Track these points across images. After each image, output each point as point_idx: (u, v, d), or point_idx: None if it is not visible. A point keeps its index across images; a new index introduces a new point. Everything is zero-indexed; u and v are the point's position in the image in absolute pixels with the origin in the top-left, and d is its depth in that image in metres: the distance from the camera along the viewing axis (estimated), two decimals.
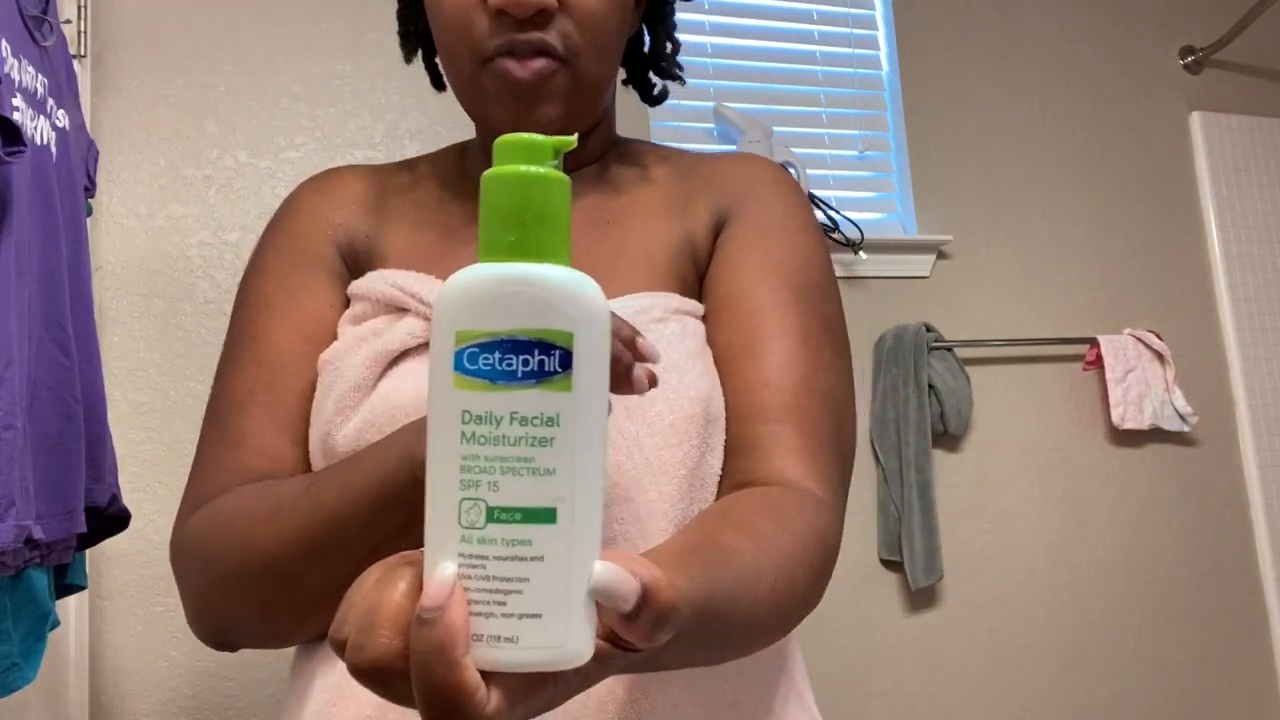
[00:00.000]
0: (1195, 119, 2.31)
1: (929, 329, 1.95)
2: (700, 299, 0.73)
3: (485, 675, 0.33)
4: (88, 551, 1.26)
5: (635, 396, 0.57)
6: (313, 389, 0.69)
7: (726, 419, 0.67)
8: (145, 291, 1.56)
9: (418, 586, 0.34)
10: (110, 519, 1.20)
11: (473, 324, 0.34)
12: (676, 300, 0.70)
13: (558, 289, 0.34)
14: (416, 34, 0.81)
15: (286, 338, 0.70)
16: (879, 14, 2.15)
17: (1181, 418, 2.08)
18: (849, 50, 2.11)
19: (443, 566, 0.33)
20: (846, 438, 0.69)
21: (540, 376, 0.33)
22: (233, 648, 0.68)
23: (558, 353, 0.34)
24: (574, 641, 0.33)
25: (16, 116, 1.00)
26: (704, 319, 0.72)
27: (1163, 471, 2.13)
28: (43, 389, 1.06)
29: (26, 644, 1.05)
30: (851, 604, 1.86)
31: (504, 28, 0.67)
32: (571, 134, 0.74)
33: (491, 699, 0.32)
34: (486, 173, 0.36)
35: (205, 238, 1.60)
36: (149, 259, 1.57)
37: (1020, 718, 1.93)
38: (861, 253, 1.92)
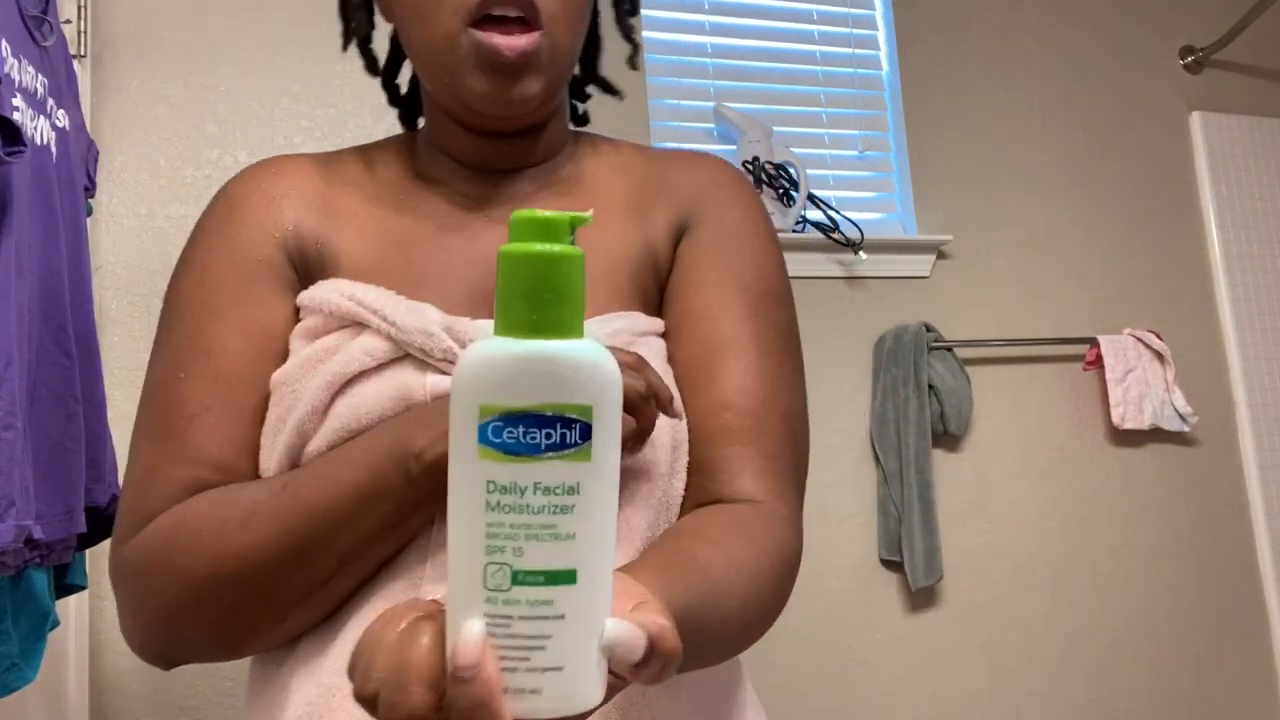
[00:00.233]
0: (1195, 119, 2.31)
1: (929, 329, 1.95)
2: (660, 310, 0.73)
3: None
4: (88, 551, 1.26)
5: None
6: (265, 405, 0.67)
7: (690, 441, 0.67)
8: (145, 291, 1.56)
9: (440, 641, 0.36)
10: (110, 519, 1.20)
11: (496, 399, 0.35)
12: (644, 321, 0.70)
13: (577, 365, 0.36)
14: (365, 11, 0.79)
15: (240, 352, 0.67)
16: (879, 14, 2.15)
17: (1181, 418, 2.08)
18: (849, 50, 2.11)
19: (471, 625, 0.35)
20: (803, 450, 0.71)
21: (562, 448, 0.35)
22: (178, 664, 0.65)
23: (578, 425, 0.35)
24: (590, 690, 0.36)
25: (16, 116, 1.00)
26: (664, 334, 0.72)
27: (1163, 471, 2.13)
28: (43, 389, 1.06)
29: (26, 644, 1.05)
30: (851, 604, 1.86)
31: None
32: (544, 115, 0.72)
33: None
34: (504, 248, 0.37)
35: None
36: (149, 259, 1.57)
37: (1020, 718, 1.93)
38: (861, 253, 1.92)
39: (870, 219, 2.03)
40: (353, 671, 0.37)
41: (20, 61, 1.07)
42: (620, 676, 0.38)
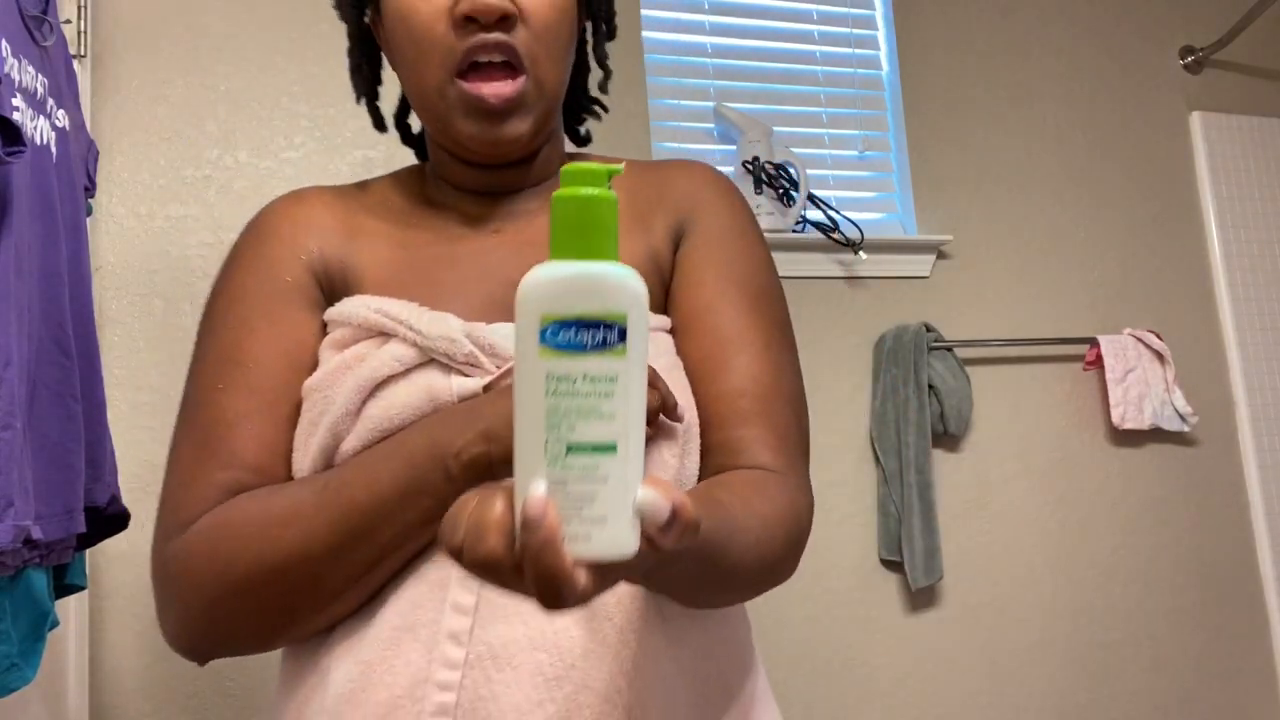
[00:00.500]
0: (1195, 119, 2.31)
1: (929, 329, 1.95)
2: (665, 309, 0.80)
3: None
4: (87, 551, 1.26)
5: None
6: (297, 412, 0.72)
7: (705, 425, 0.73)
8: (145, 291, 1.56)
9: (510, 503, 0.44)
10: (110, 519, 1.20)
11: (553, 309, 0.44)
12: (651, 319, 0.75)
13: (615, 282, 0.45)
14: (369, 68, 0.88)
15: (274, 363, 0.73)
16: (879, 14, 2.15)
17: (1181, 418, 2.08)
18: (849, 50, 2.11)
19: (537, 486, 0.43)
20: (806, 427, 0.79)
21: (604, 347, 0.44)
22: (214, 658, 0.69)
23: (616, 328, 0.45)
24: (627, 539, 0.44)
25: (16, 116, 1.00)
26: (671, 331, 0.78)
27: (1163, 471, 2.13)
28: (43, 389, 1.06)
29: (26, 644, 1.05)
30: (851, 604, 1.86)
31: (469, 33, 0.72)
32: (536, 145, 0.78)
33: (580, 579, 0.43)
34: (556, 194, 0.46)
35: (205, 238, 1.60)
36: (149, 259, 1.57)
37: (1020, 718, 1.93)
38: (861, 253, 1.92)
39: (870, 219, 2.03)
40: (443, 533, 0.45)
41: (20, 61, 1.07)
42: (651, 545, 0.45)
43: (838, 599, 1.85)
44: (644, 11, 1.92)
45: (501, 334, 0.70)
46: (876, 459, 1.92)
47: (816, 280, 1.94)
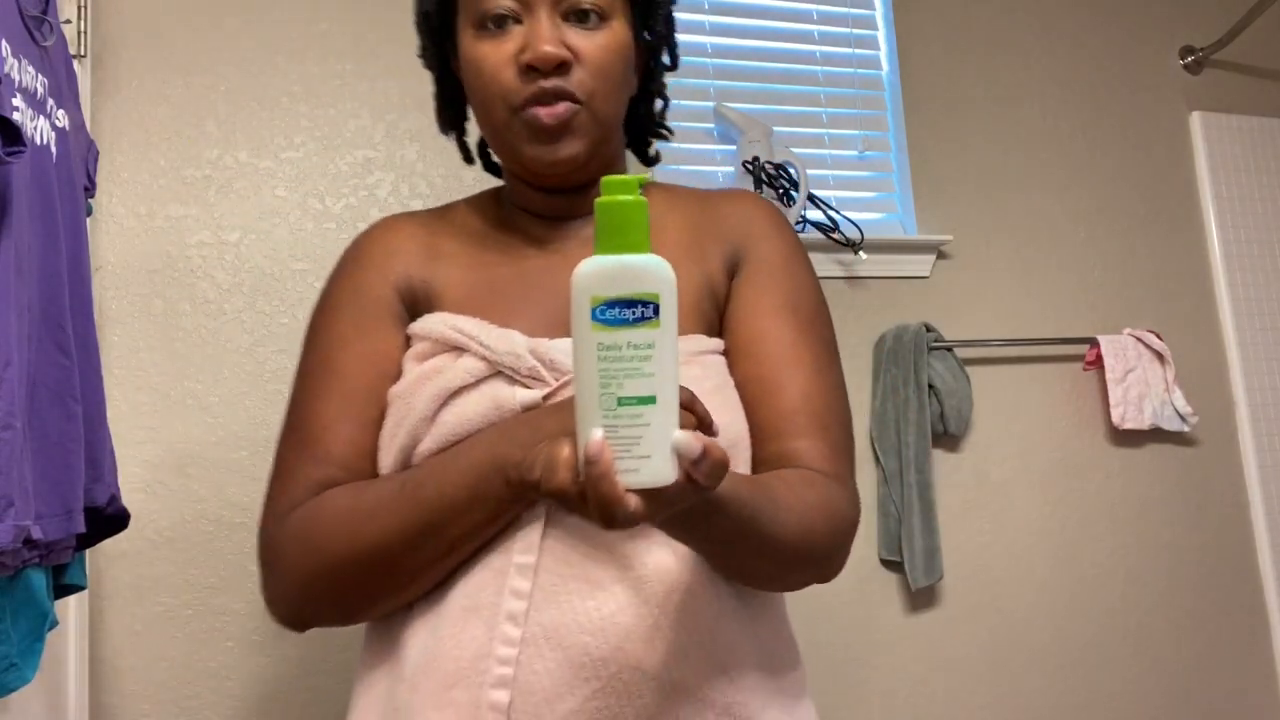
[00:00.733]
0: (1195, 119, 2.31)
1: (929, 329, 1.95)
2: (720, 332, 0.88)
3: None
4: (87, 551, 1.25)
5: None
6: (383, 416, 0.84)
7: (763, 438, 0.82)
8: (145, 291, 1.56)
9: (574, 447, 0.57)
10: (110, 519, 1.20)
11: (601, 291, 0.56)
12: (705, 342, 0.85)
13: (650, 269, 0.57)
14: (452, 109, 0.98)
15: (364, 373, 0.85)
16: (879, 14, 2.15)
17: (1181, 418, 2.08)
18: (849, 50, 2.11)
19: (595, 431, 0.55)
20: (853, 442, 0.87)
21: (642, 320, 0.56)
22: (309, 627, 0.81)
23: (651, 305, 0.56)
24: (667, 471, 0.55)
25: (16, 116, 1.00)
26: (725, 352, 0.87)
27: (1163, 471, 2.13)
28: (43, 389, 1.06)
29: (25, 644, 1.05)
30: (851, 604, 1.86)
31: (531, 79, 0.83)
32: (592, 170, 0.90)
33: (631, 503, 0.55)
34: (598, 200, 0.57)
35: (205, 238, 1.60)
36: (149, 259, 1.57)
37: (1020, 717, 1.93)
38: (861, 253, 1.92)
39: (870, 219, 2.03)
40: (526, 469, 0.63)
41: (20, 61, 1.07)
42: (688, 476, 0.56)
43: (838, 599, 1.85)
44: None
45: (561, 349, 0.80)
46: (876, 459, 1.92)
47: None
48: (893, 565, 1.89)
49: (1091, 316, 2.14)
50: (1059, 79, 2.23)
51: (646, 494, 0.55)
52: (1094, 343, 2.07)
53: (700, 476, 0.56)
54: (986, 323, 2.05)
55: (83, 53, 1.50)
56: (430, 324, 0.85)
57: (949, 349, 1.95)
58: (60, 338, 1.10)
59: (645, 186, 0.97)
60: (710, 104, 1.96)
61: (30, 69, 1.09)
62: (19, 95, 1.04)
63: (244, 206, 1.62)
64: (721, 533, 0.67)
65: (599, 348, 0.55)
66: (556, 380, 0.79)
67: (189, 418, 1.54)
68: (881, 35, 2.14)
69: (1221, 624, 2.11)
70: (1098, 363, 2.06)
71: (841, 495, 0.80)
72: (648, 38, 0.94)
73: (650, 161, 1.03)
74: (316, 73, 1.69)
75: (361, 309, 0.88)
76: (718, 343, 0.87)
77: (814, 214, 1.92)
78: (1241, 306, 2.24)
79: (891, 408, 1.90)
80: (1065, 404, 2.08)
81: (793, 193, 1.88)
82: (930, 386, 1.91)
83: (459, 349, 0.82)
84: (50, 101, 1.15)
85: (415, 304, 0.89)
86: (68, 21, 1.41)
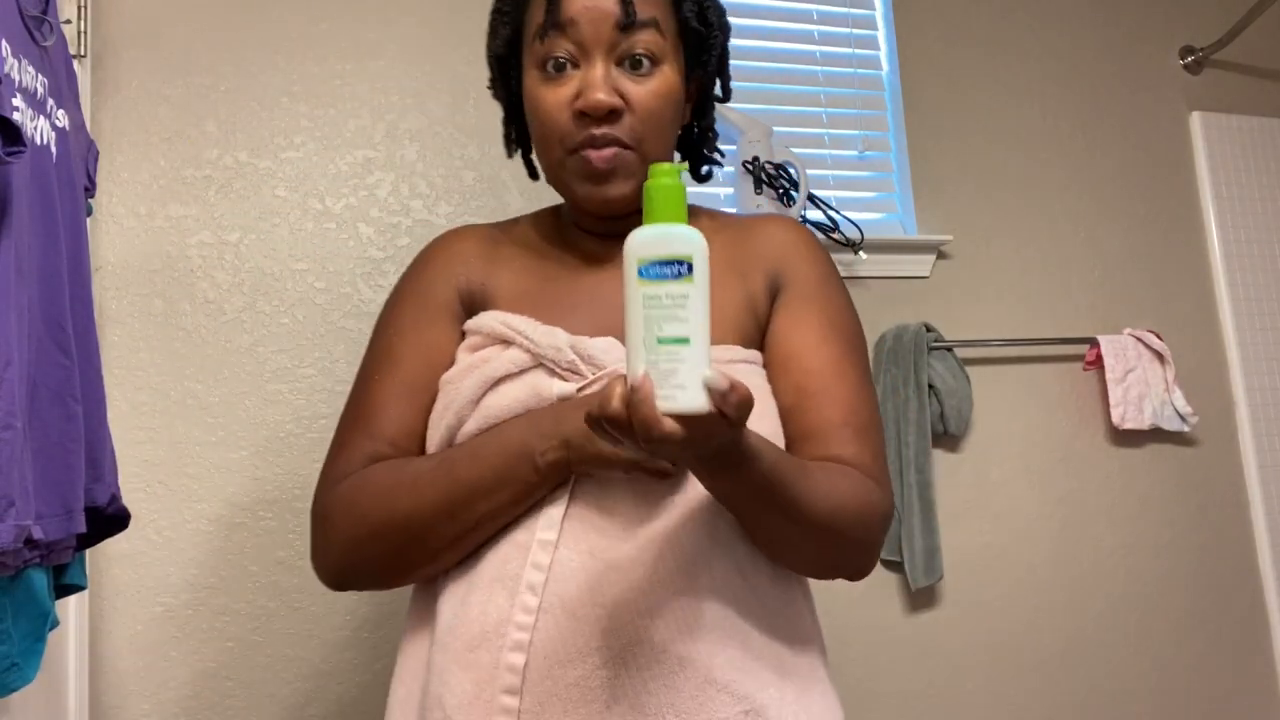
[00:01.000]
0: (1195, 119, 2.31)
1: (929, 329, 1.95)
2: (761, 346, 0.95)
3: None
4: (88, 551, 1.25)
5: None
6: (433, 402, 0.92)
7: (806, 445, 0.88)
8: (145, 291, 1.56)
9: (624, 382, 0.65)
10: (110, 519, 1.20)
11: (646, 253, 0.67)
12: (739, 352, 0.91)
13: (684, 235, 0.67)
14: (517, 135, 1.05)
15: (418, 363, 0.94)
16: (879, 14, 2.15)
17: (1181, 418, 2.08)
18: (849, 50, 2.11)
19: (639, 367, 0.65)
20: (886, 450, 0.95)
21: (678, 276, 0.66)
22: (349, 589, 0.90)
23: (685, 264, 0.67)
24: (700, 400, 0.64)
25: (16, 116, 1.00)
26: (767, 365, 0.93)
27: (1163, 471, 2.13)
28: (43, 389, 1.06)
29: (25, 644, 1.05)
30: (852, 604, 1.86)
31: (584, 124, 0.89)
32: (640, 204, 0.95)
33: (667, 424, 0.63)
34: (646, 183, 0.69)
35: (205, 238, 1.60)
36: (149, 259, 1.57)
37: (1020, 717, 1.93)
38: (861, 253, 1.92)
39: (870, 219, 2.03)
40: (586, 412, 0.67)
41: (20, 61, 1.07)
42: (719, 410, 0.64)
43: (838, 599, 1.85)
44: None
45: (600, 347, 0.87)
46: None
47: None
48: (893, 565, 1.89)
49: (1091, 316, 2.14)
50: (1059, 79, 2.23)
51: (682, 420, 0.63)
52: (1094, 343, 2.07)
53: (729, 409, 0.64)
54: (986, 323, 2.05)
55: (83, 53, 1.50)
56: (484, 320, 0.93)
57: (949, 349, 1.95)
58: (60, 338, 1.10)
59: (693, 210, 1.06)
60: None
61: (30, 69, 1.09)
62: (19, 95, 1.04)
63: (244, 206, 1.62)
64: (751, 486, 0.75)
65: (644, 298, 0.66)
66: (592, 374, 0.86)
67: (189, 418, 1.54)
68: (881, 35, 2.14)
69: (1221, 624, 2.11)
70: (1098, 363, 2.06)
71: (875, 489, 0.86)
72: (701, 75, 1.04)
73: (702, 179, 1.10)
74: (316, 73, 1.69)
75: (423, 306, 0.97)
76: (755, 354, 0.93)
77: (814, 214, 1.92)
78: (1241, 306, 2.24)
79: (892, 408, 1.90)
80: (1065, 404, 2.08)
81: (793, 193, 1.88)
82: (930, 386, 1.91)
83: (507, 341, 0.89)
84: (50, 101, 1.15)
85: (473, 305, 0.98)
86: (68, 21, 1.41)
